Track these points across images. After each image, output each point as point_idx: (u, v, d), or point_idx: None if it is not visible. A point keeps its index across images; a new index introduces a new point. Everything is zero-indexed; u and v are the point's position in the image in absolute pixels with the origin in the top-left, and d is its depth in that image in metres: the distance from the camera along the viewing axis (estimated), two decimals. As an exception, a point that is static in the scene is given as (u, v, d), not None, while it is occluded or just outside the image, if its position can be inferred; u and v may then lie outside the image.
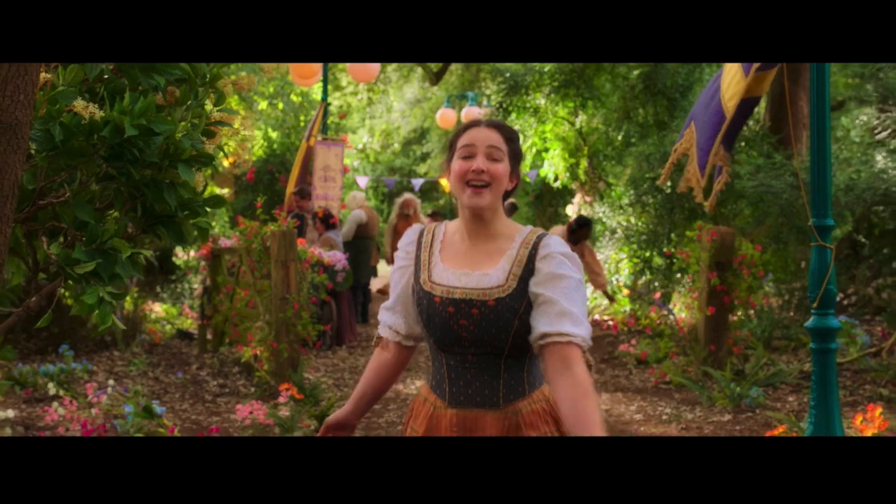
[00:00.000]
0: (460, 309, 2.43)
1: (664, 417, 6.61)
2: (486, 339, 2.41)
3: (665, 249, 9.92)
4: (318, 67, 11.48)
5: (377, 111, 26.18)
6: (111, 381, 6.88)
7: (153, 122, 3.49)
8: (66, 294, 8.27)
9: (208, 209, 3.88)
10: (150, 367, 8.64)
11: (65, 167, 3.57)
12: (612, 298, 11.61)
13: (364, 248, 12.06)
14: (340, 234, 11.36)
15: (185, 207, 3.72)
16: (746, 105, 5.46)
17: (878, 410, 5.03)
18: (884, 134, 7.81)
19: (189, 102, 3.86)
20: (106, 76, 3.77)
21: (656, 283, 10.40)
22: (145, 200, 3.66)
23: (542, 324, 2.34)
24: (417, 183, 17.50)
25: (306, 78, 11.34)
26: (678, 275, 9.70)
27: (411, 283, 2.59)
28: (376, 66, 12.09)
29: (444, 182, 20.77)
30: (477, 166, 2.44)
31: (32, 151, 3.43)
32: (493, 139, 2.50)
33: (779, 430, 5.21)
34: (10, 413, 5.73)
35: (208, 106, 3.96)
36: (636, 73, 12.86)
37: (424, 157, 27.38)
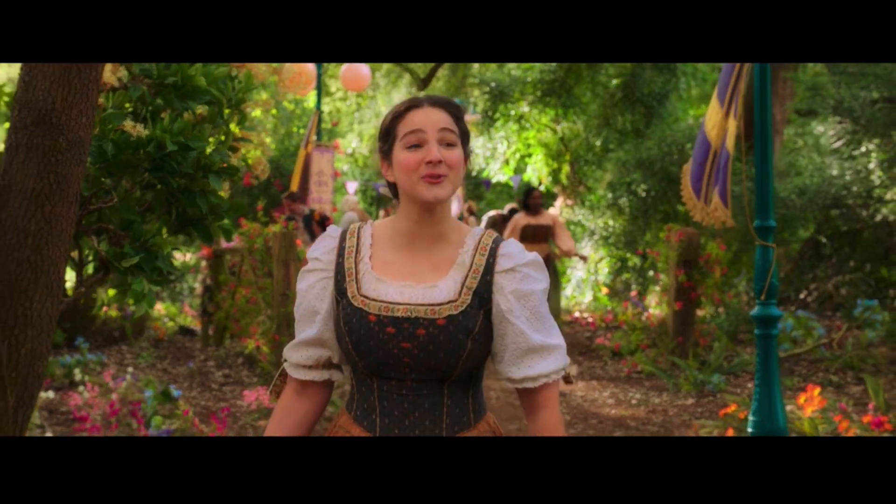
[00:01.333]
0: (402, 329, 2.02)
1: (633, 402, 7.26)
2: (433, 365, 2.03)
3: (639, 249, 10.57)
4: (312, 76, 12.08)
5: (366, 116, 26.80)
6: (130, 369, 7.48)
7: (189, 139, 4.12)
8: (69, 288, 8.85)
9: (231, 214, 4.55)
10: (158, 359, 9.24)
11: (112, 176, 4.21)
12: (584, 258, 11.42)
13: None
14: (334, 235, 12.03)
15: (213, 212, 4.36)
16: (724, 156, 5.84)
17: (817, 391, 5.66)
18: (839, 143, 8.48)
19: (217, 121, 4.51)
20: (147, 100, 4.40)
21: (633, 282, 11.05)
22: (179, 205, 4.29)
23: (507, 364, 2.06)
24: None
25: (301, 87, 11.93)
26: (651, 273, 10.35)
27: (333, 299, 2.12)
28: (367, 76, 12.71)
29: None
30: (433, 156, 2.02)
31: (87, 164, 4.02)
32: (444, 121, 2.07)
33: (731, 409, 5.86)
34: (51, 394, 6.34)
35: (233, 125, 4.61)
36: (615, 82, 13.53)
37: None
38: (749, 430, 5.30)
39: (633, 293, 10.76)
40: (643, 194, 10.48)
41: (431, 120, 2.06)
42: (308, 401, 2.17)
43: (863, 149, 8.12)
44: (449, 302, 2.03)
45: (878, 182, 8.22)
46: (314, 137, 12.70)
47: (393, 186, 2.15)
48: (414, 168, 2.03)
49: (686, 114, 14.61)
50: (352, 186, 17.45)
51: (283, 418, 2.17)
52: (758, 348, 5.29)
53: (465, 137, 2.13)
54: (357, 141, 26.63)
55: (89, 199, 4.16)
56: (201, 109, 4.37)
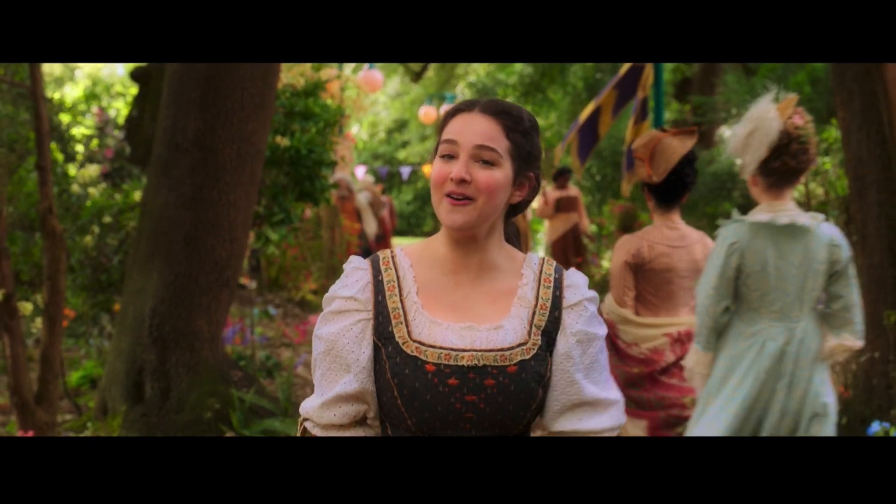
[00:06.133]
0: (467, 380, 1.72)
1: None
2: (500, 419, 1.74)
3: (593, 219, 13.57)
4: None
5: (364, 104, 29.70)
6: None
7: (312, 146, 7.09)
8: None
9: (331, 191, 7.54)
10: (229, 302, 12.16)
11: (266, 168, 7.13)
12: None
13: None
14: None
15: (322, 189, 7.34)
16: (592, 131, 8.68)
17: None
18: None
19: (324, 132, 7.47)
20: (283, 121, 7.32)
21: (591, 245, 14.06)
22: (303, 185, 7.24)
23: (554, 416, 1.80)
24: (406, 171, 20.95)
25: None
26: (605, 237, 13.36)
27: (371, 345, 1.79)
28: (381, 79, 15.56)
29: (426, 169, 24.14)
30: (457, 173, 1.74)
31: (257, 162, 6.75)
32: (486, 133, 1.76)
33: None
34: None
35: (333, 134, 7.58)
36: (581, 84, 16.47)
37: (405, 145, 31.20)
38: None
39: (593, 255, 13.76)
40: (598, 177, 13.44)
41: (470, 130, 1.76)
42: None
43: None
44: (519, 345, 1.75)
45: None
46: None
47: None
48: (439, 183, 1.78)
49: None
50: (360, 170, 20.28)
51: None
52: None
53: (521, 156, 1.81)
54: (357, 127, 29.49)
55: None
56: (313, 126, 7.35)
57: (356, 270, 1.84)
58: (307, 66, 7.97)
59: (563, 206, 12.08)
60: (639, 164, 4.07)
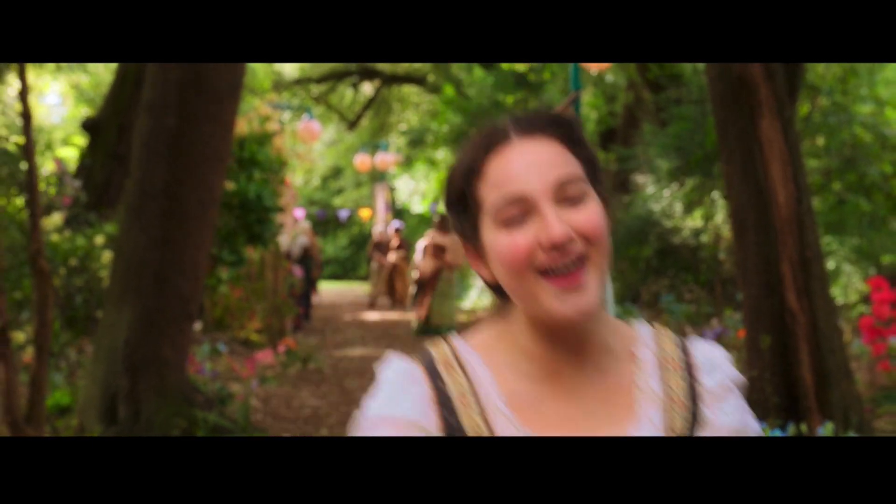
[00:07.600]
0: None
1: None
2: None
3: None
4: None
5: (299, 149, 30.45)
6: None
7: (261, 191, 7.81)
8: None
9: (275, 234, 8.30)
10: (174, 342, 12.70)
11: (217, 213, 7.79)
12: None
13: (308, 266, 16.38)
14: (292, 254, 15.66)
15: (269, 231, 8.06)
16: None
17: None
18: (651, 189, 12.47)
19: (269, 179, 8.18)
20: (233, 168, 8.03)
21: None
22: (252, 229, 7.96)
23: None
24: (344, 213, 21.71)
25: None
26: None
27: None
28: (319, 130, 16.33)
29: (363, 213, 24.81)
30: (558, 235, 1.15)
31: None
32: (558, 160, 1.20)
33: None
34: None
35: (278, 181, 8.31)
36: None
37: (340, 191, 32.05)
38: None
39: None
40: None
41: (536, 165, 1.19)
42: None
43: (666, 192, 12.11)
44: None
45: (677, 215, 12.24)
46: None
47: (496, 287, 1.27)
48: (524, 263, 1.17)
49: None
50: (299, 213, 20.94)
51: None
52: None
53: (593, 172, 1.25)
54: (292, 173, 30.18)
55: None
56: (259, 173, 8.07)
57: (405, 380, 1.25)
58: (255, 117, 8.69)
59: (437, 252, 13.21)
60: None
